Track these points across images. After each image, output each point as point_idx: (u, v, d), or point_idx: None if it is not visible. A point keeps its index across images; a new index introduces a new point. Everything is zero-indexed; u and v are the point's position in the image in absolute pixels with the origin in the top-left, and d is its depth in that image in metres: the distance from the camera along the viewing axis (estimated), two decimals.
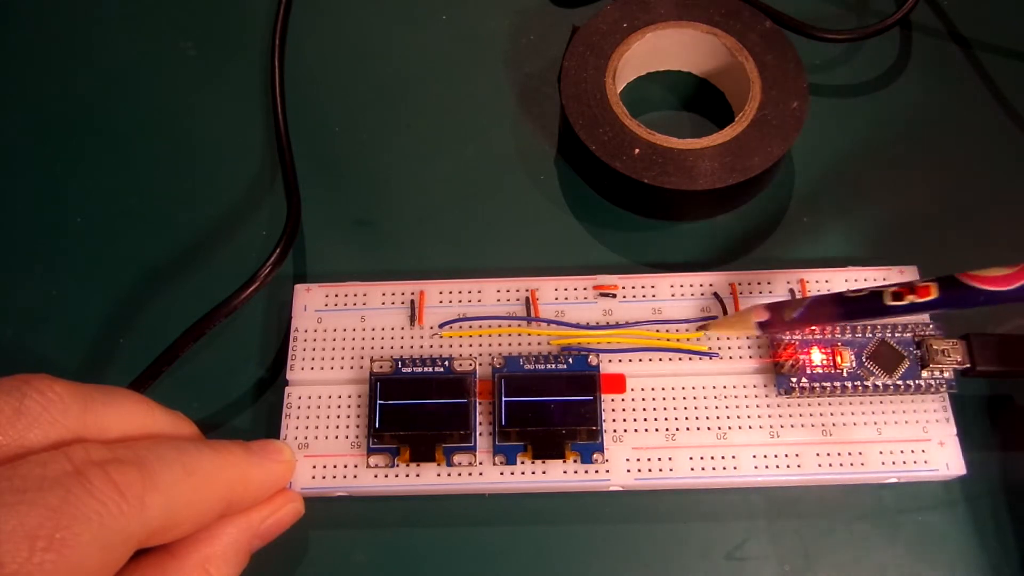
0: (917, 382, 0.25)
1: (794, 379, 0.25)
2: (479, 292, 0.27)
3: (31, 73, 0.34)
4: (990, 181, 0.31)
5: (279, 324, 0.28)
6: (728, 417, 0.25)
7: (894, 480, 0.25)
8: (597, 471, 0.25)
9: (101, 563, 0.18)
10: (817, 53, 0.33)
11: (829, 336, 0.26)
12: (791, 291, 0.27)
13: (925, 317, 0.26)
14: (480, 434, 0.25)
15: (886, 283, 0.21)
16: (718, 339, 0.26)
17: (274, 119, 0.31)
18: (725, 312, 0.27)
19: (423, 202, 0.31)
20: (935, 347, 0.25)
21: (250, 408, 0.27)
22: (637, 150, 0.28)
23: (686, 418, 0.25)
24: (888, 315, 0.22)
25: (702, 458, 0.25)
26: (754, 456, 0.25)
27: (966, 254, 0.29)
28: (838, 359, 0.25)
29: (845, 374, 0.25)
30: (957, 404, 0.26)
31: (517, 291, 0.27)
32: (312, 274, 0.29)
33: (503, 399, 0.25)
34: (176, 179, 0.31)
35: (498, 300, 0.27)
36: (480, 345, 0.26)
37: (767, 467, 0.25)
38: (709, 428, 0.25)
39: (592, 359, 0.26)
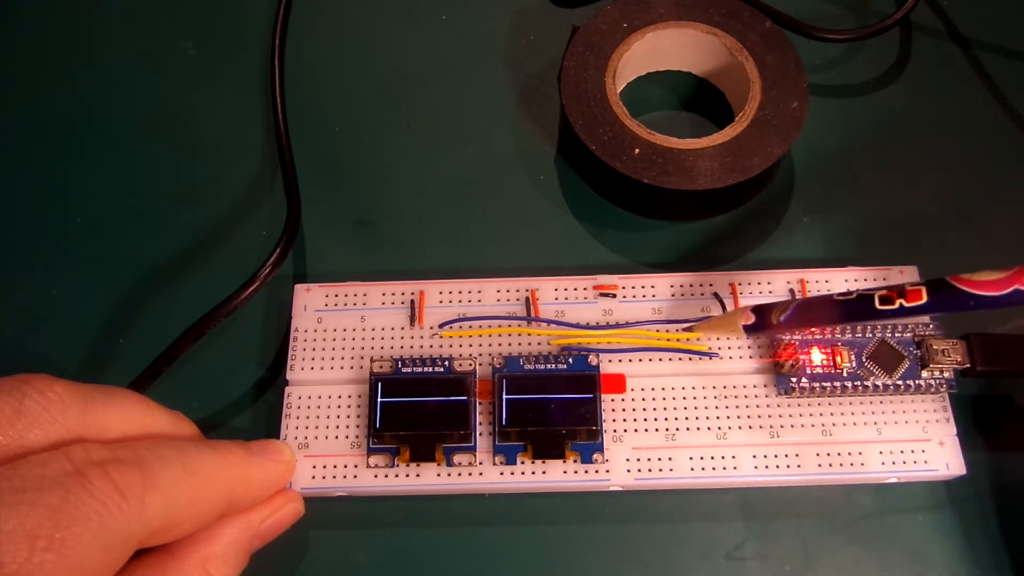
0: (917, 382, 0.25)
1: (794, 379, 0.25)
2: (479, 292, 0.27)
3: (31, 73, 0.34)
4: (990, 181, 0.31)
5: (279, 324, 0.28)
6: (728, 417, 0.25)
7: (894, 480, 0.25)
8: (597, 471, 0.25)
9: (101, 563, 0.18)
10: (817, 53, 0.33)
11: (829, 336, 0.26)
12: (791, 291, 0.27)
13: (925, 317, 0.26)
14: (480, 434, 0.25)
15: (876, 286, 0.21)
16: (718, 339, 0.26)
17: (274, 119, 0.31)
18: (725, 312, 0.27)
19: (423, 202, 0.31)
20: (935, 347, 0.25)
21: (250, 408, 0.27)
22: (637, 150, 0.28)
23: (686, 418, 0.25)
24: (877, 319, 0.21)
25: (702, 458, 0.25)
26: (754, 456, 0.25)
27: (966, 254, 0.29)
28: (838, 359, 0.25)
29: (845, 374, 0.25)
30: (957, 404, 0.26)
31: (517, 291, 0.27)
32: (312, 274, 0.29)
33: (503, 399, 0.25)
34: (176, 179, 0.31)
35: (498, 300, 0.27)
36: (480, 345, 0.26)
37: (767, 467, 0.25)
38: (709, 428, 0.25)
39: (592, 359, 0.26)
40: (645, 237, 0.30)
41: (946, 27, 0.34)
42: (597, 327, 0.27)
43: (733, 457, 0.25)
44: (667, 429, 0.25)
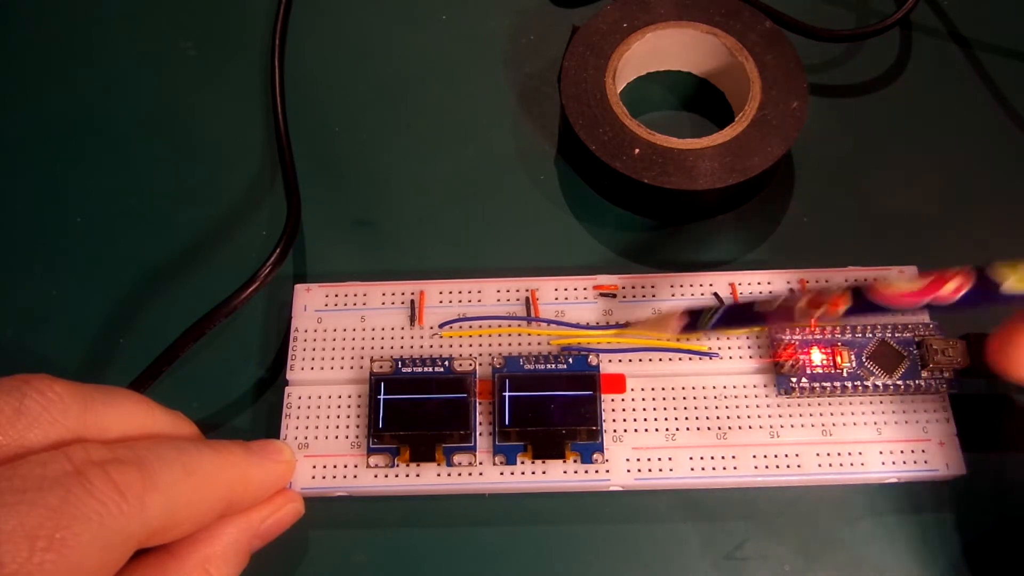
0: (917, 382, 0.25)
1: (794, 379, 0.25)
2: (479, 292, 0.27)
3: (31, 73, 0.34)
4: (990, 181, 0.31)
5: (279, 324, 0.28)
6: (728, 417, 0.25)
7: (894, 480, 0.25)
8: (597, 471, 0.25)
9: (101, 563, 0.18)
10: (817, 53, 0.33)
11: (829, 336, 0.26)
12: (791, 291, 0.27)
13: (925, 317, 0.26)
14: (480, 434, 0.25)
15: (800, 292, 0.22)
16: (718, 339, 0.26)
17: (274, 119, 0.31)
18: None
19: (423, 202, 0.31)
20: (935, 347, 0.25)
21: (250, 408, 0.27)
22: (637, 150, 0.28)
23: (686, 418, 0.25)
24: (803, 321, 0.22)
25: (702, 458, 0.25)
26: (754, 456, 0.25)
27: (966, 254, 0.29)
28: (838, 359, 0.25)
29: (845, 374, 0.25)
30: (957, 404, 0.26)
31: (517, 291, 0.27)
32: (312, 274, 0.29)
33: (503, 399, 0.25)
34: (176, 179, 0.31)
35: (498, 300, 0.27)
36: (480, 345, 0.26)
37: (767, 467, 0.25)
38: (709, 428, 0.25)
39: (592, 359, 0.26)
40: (645, 237, 0.30)
41: (946, 27, 0.34)
42: (597, 327, 0.27)
43: (733, 457, 0.25)
44: (667, 429, 0.25)
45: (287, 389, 0.26)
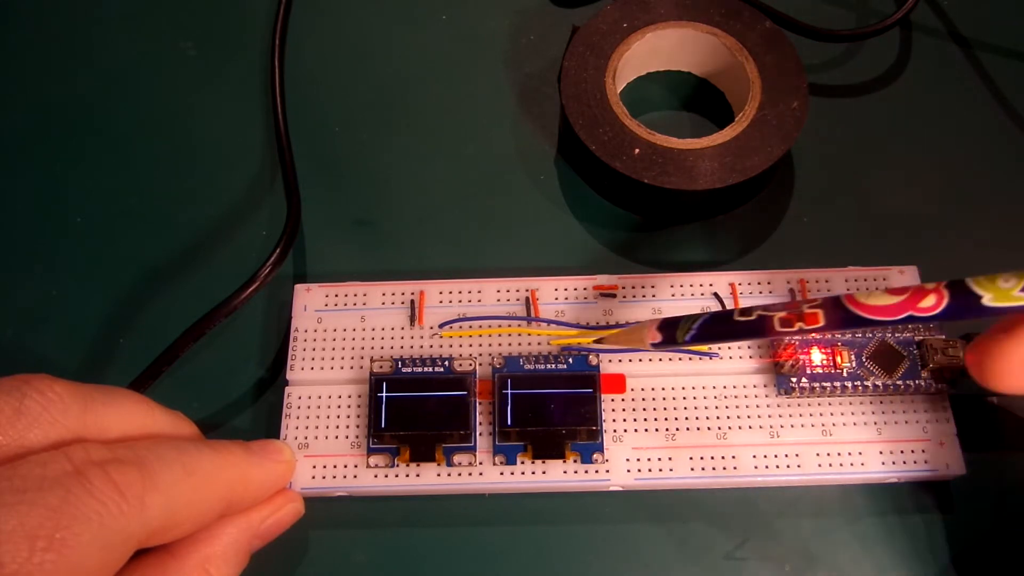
0: (917, 382, 0.25)
1: (794, 379, 0.25)
2: (479, 292, 0.27)
3: (31, 73, 0.34)
4: (990, 181, 0.31)
5: (279, 324, 0.28)
6: (728, 417, 0.25)
7: (894, 480, 0.25)
8: (597, 471, 0.25)
9: (101, 563, 0.18)
10: (817, 53, 0.33)
11: (829, 336, 0.26)
12: (791, 291, 0.27)
13: None
14: (480, 434, 0.25)
15: (776, 304, 0.21)
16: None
17: (274, 119, 0.31)
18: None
19: (423, 202, 0.31)
20: (935, 347, 0.25)
21: (250, 408, 0.27)
22: (637, 150, 0.28)
23: (686, 418, 0.25)
24: (780, 336, 0.22)
25: (702, 458, 0.25)
26: (754, 456, 0.25)
27: (966, 254, 0.29)
28: (838, 359, 0.25)
29: (845, 374, 0.25)
30: (957, 404, 0.26)
31: (517, 291, 0.27)
32: (312, 274, 0.29)
33: (503, 399, 0.25)
34: (176, 179, 0.31)
35: (498, 300, 0.27)
36: (480, 345, 0.26)
37: (767, 467, 0.25)
38: (709, 428, 0.25)
39: (592, 359, 0.26)
40: (645, 237, 0.30)
41: (946, 27, 0.34)
42: (597, 327, 0.27)
43: (733, 457, 0.25)
44: (667, 429, 0.25)
45: (287, 389, 0.26)
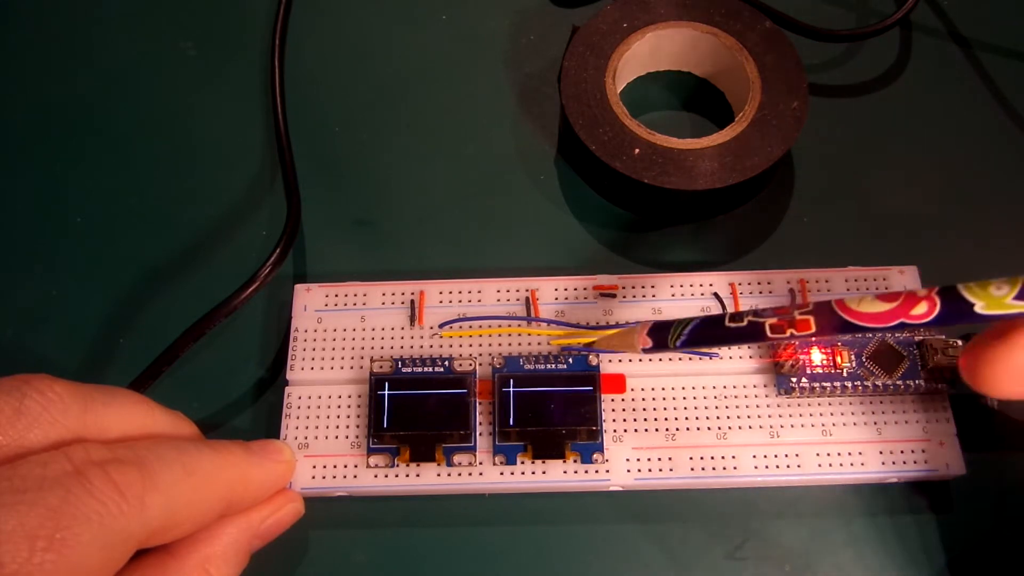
0: (917, 382, 0.25)
1: (794, 379, 0.25)
2: (479, 292, 0.27)
3: (31, 73, 0.34)
4: (990, 181, 0.31)
5: (279, 324, 0.28)
6: (728, 417, 0.25)
7: (894, 480, 0.25)
8: (597, 471, 0.25)
9: (101, 563, 0.18)
10: (817, 53, 0.33)
11: (829, 336, 0.26)
12: (791, 291, 0.27)
13: None
14: (480, 434, 0.25)
15: (766, 309, 0.21)
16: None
17: (274, 119, 0.31)
18: (724, 311, 0.27)
19: (423, 202, 0.31)
20: (935, 347, 0.25)
21: (250, 408, 0.27)
22: (637, 150, 0.28)
23: (686, 418, 0.25)
24: (771, 341, 0.21)
25: (702, 458, 0.25)
26: (754, 456, 0.25)
27: (966, 254, 0.29)
28: (838, 359, 0.25)
29: (845, 374, 0.25)
30: (957, 404, 0.26)
31: (517, 291, 0.27)
32: (312, 274, 0.29)
33: (503, 399, 0.25)
34: (176, 179, 0.31)
35: (498, 300, 0.27)
36: (480, 345, 0.26)
37: (767, 467, 0.25)
38: (709, 428, 0.25)
39: (592, 359, 0.26)
40: (645, 237, 0.30)
41: (946, 27, 0.34)
42: (597, 327, 0.27)
43: (733, 457, 0.25)
44: (667, 429, 0.25)
45: (287, 389, 0.26)
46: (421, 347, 0.27)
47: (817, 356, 0.25)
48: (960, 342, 0.25)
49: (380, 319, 0.27)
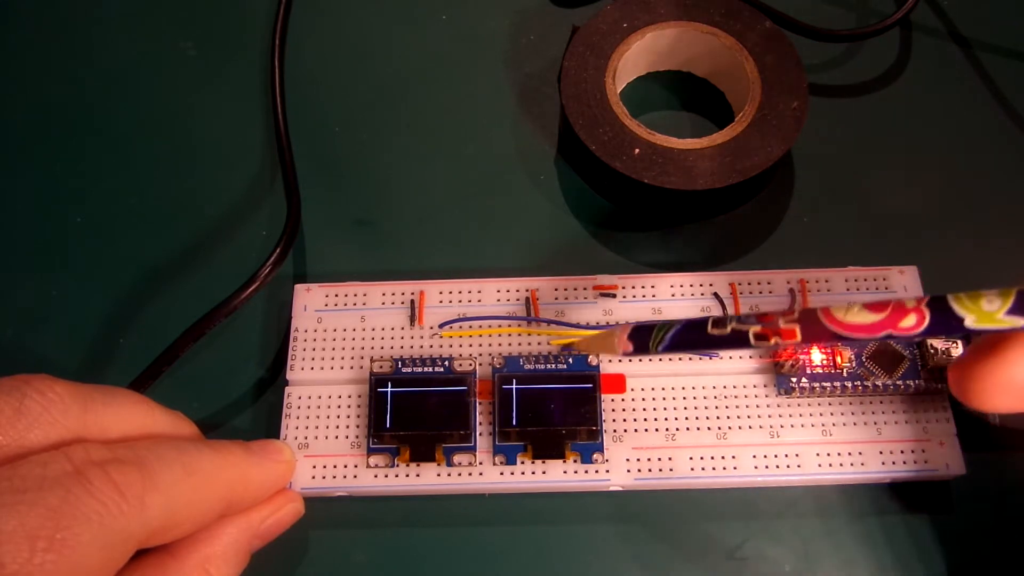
0: (917, 382, 0.25)
1: (794, 379, 0.25)
2: (479, 292, 0.27)
3: (31, 73, 0.34)
4: (990, 181, 0.31)
5: (279, 324, 0.28)
6: (728, 417, 0.25)
7: (894, 480, 0.25)
8: (597, 471, 0.25)
9: (101, 563, 0.18)
10: (817, 53, 0.33)
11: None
12: (791, 291, 0.27)
13: None
14: (480, 434, 0.25)
15: (751, 316, 0.20)
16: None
17: (274, 119, 0.31)
18: (724, 311, 0.27)
19: (423, 202, 0.31)
20: (935, 347, 0.25)
21: (250, 408, 0.27)
22: (637, 150, 0.28)
23: (686, 418, 0.25)
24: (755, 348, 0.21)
25: (702, 458, 0.25)
26: (754, 456, 0.25)
27: (966, 254, 0.29)
28: (838, 359, 0.25)
29: (845, 374, 0.25)
30: (957, 404, 0.26)
31: (517, 291, 0.27)
32: (312, 274, 0.29)
33: (503, 399, 0.25)
34: (176, 179, 0.31)
35: (498, 300, 0.27)
36: (480, 345, 0.26)
37: (767, 467, 0.25)
38: (709, 428, 0.25)
39: (592, 359, 0.26)
40: (645, 237, 0.30)
41: (946, 27, 0.34)
42: (597, 327, 0.27)
43: (733, 457, 0.25)
44: (667, 429, 0.25)
45: (287, 389, 0.26)
46: (421, 347, 0.27)
47: (817, 356, 0.25)
48: (960, 343, 0.25)
49: (380, 319, 0.27)
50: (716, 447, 0.25)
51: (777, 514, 0.25)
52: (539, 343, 0.27)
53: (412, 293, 0.27)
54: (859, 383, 0.25)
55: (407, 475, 0.25)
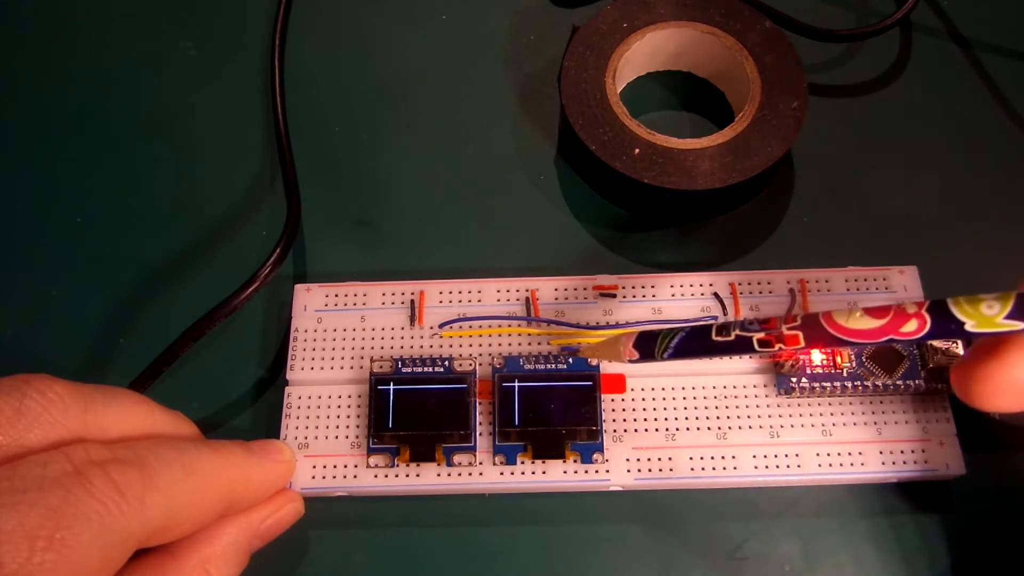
0: (917, 382, 0.25)
1: (794, 379, 0.25)
2: (479, 292, 0.27)
3: (31, 73, 0.34)
4: (990, 181, 0.31)
5: (279, 324, 0.28)
6: (728, 417, 0.25)
7: (894, 480, 0.25)
8: (597, 471, 0.25)
9: (101, 563, 0.18)
10: (817, 53, 0.33)
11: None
12: (791, 291, 0.27)
13: None
14: (480, 434, 0.25)
15: (754, 321, 0.21)
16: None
17: (274, 119, 0.31)
18: (725, 312, 0.27)
19: (423, 202, 0.31)
20: (935, 347, 0.25)
21: (250, 408, 0.27)
22: (637, 150, 0.28)
23: (686, 418, 0.25)
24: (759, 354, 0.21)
25: (702, 458, 0.25)
26: (754, 456, 0.25)
27: (966, 254, 0.29)
28: (838, 359, 0.25)
29: (845, 374, 0.25)
30: (957, 404, 0.26)
31: (517, 291, 0.27)
32: (312, 274, 0.29)
33: (503, 399, 0.25)
34: (176, 179, 0.31)
35: (498, 300, 0.27)
36: (480, 345, 0.26)
37: (767, 467, 0.25)
38: (709, 428, 0.25)
39: (592, 359, 0.26)
40: (645, 237, 0.30)
41: (946, 27, 0.34)
42: (597, 327, 0.27)
43: (733, 457, 0.25)
44: (667, 429, 0.25)
45: (287, 389, 0.26)
46: (421, 347, 0.27)
47: (817, 356, 0.25)
48: (960, 342, 0.25)
49: (380, 319, 0.27)
50: (716, 447, 0.25)
51: (777, 514, 0.25)
52: (539, 343, 0.27)
53: (412, 293, 0.27)
54: (859, 383, 0.25)
55: (407, 475, 0.25)
